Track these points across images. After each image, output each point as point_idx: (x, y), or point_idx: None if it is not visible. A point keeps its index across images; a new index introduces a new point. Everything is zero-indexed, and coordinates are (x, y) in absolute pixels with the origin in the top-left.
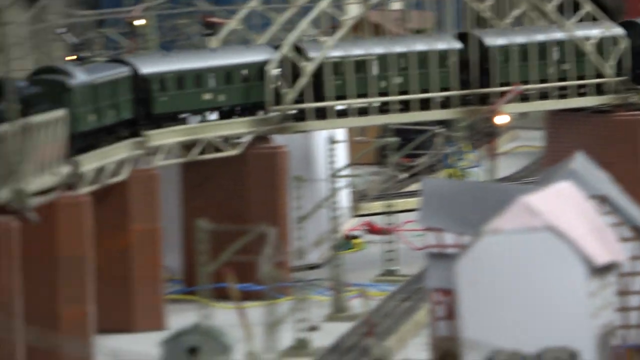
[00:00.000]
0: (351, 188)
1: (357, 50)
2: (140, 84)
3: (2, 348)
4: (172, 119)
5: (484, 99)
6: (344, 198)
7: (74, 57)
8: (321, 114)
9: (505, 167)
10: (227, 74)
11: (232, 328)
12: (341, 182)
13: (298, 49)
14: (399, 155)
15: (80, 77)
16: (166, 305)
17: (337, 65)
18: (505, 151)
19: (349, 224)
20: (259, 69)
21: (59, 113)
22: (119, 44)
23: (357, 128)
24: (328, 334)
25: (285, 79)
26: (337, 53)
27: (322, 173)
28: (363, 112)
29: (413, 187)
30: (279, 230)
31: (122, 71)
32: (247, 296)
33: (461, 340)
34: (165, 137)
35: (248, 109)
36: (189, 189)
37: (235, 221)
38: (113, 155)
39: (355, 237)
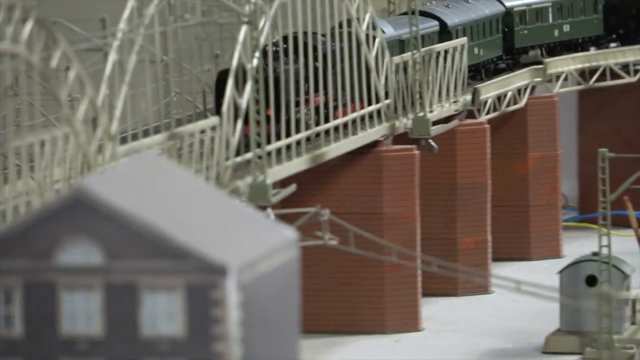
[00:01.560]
0: None
1: None
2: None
3: (401, 274)
4: None
5: None
6: None
7: None
8: None
9: None
10: None
11: (630, 256)
12: None
13: None
14: None
15: (388, 31)
16: (562, 232)
17: None
18: None
19: None
20: None
21: (462, 40)
22: None
23: None
24: None
25: None
26: None
27: None
28: None
29: None
30: None
31: (430, 25)
32: None
33: None
34: (564, 64)
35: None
36: (586, 116)
37: (632, 149)
38: (513, 83)
39: None
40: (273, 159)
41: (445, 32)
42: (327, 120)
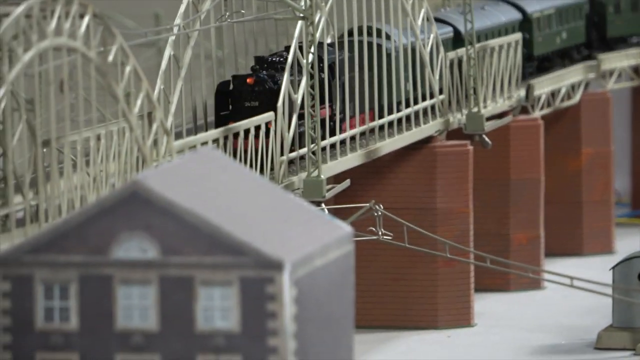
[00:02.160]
0: None
1: None
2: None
3: (454, 269)
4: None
5: None
6: None
7: None
8: None
9: None
10: None
11: None
12: None
13: None
14: None
15: (398, 39)
16: (614, 228)
17: None
18: None
19: None
20: None
21: (516, 36)
22: None
23: None
24: None
25: None
26: None
27: None
28: None
29: None
30: None
31: (444, 32)
32: None
33: None
34: (618, 60)
35: None
36: (639, 112)
37: None
38: (566, 79)
39: None
40: (327, 155)
41: (459, 40)
42: (332, 134)
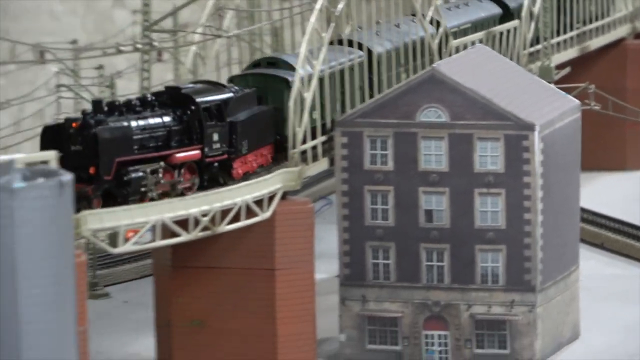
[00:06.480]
0: None
1: None
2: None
3: (638, 130)
4: None
5: None
6: None
7: None
8: None
9: None
10: None
11: None
12: None
13: None
14: None
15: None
16: None
17: None
18: None
19: None
20: None
21: None
22: None
23: None
24: None
25: None
26: None
27: None
28: None
29: None
30: None
31: (355, 57)
32: None
33: None
34: None
35: None
36: None
37: None
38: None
39: None
40: (555, 49)
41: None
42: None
